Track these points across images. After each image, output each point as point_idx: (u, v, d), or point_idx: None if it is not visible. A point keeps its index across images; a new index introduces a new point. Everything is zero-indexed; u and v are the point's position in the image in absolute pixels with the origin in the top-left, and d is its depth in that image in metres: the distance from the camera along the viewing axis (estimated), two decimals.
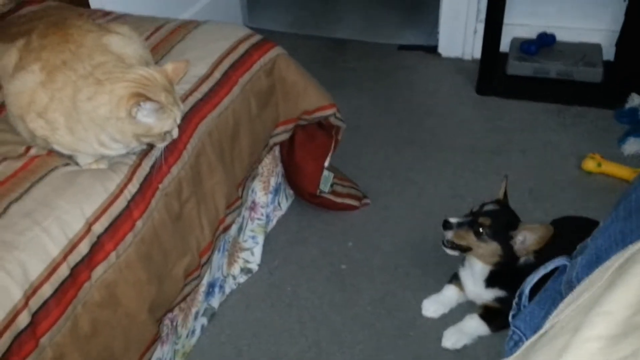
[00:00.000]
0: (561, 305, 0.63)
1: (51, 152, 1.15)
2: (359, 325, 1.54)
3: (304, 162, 1.72)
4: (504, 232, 1.40)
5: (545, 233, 1.35)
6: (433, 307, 1.55)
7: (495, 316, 1.46)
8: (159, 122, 1.08)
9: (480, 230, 1.40)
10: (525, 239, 1.37)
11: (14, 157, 1.14)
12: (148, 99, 1.03)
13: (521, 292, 0.78)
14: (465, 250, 1.45)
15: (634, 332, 0.53)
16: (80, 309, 1.04)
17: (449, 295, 1.56)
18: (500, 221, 1.41)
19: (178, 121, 1.13)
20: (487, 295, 1.47)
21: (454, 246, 1.45)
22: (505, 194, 1.51)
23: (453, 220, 1.44)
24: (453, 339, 1.46)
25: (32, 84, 1.09)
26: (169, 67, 1.12)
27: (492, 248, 1.41)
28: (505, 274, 1.43)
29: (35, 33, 1.17)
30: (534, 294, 0.79)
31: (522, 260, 1.41)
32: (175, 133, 1.14)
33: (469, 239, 1.42)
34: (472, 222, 1.42)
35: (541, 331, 0.61)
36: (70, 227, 1.03)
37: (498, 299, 1.46)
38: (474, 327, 1.47)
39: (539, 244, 1.36)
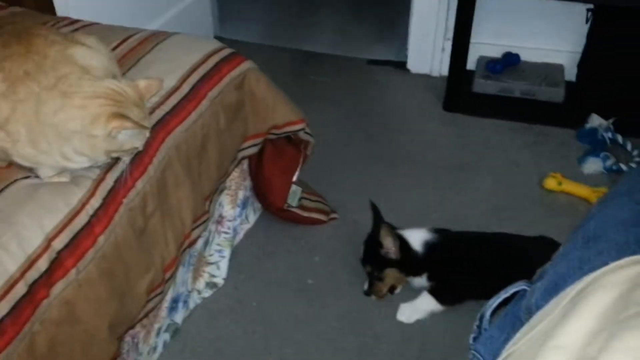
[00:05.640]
0: (518, 335, 0.64)
1: (11, 164, 1.12)
2: (324, 341, 1.54)
3: (273, 176, 1.72)
4: (379, 257, 1.59)
5: (387, 233, 1.57)
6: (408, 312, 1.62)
7: (439, 291, 1.60)
8: (131, 139, 1.08)
9: (374, 274, 1.60)
10: (388, 247, 1.57)
11: None
12: (132, 123, 1.03)
13: (482, 315, 0.80)
14: (394, 288, 1.64)
15: None
16: (37, 327, 1.01)
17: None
18: (371, 255, 1.62)
19: (147, 135, 1.12)
20: (422, 282, 1.63)
21: (384, 295, 1.63)
22: (376, 217, 1.66)
23: (365, 287, 1.64)
24: (407, 313, 1.60)
25: None
26: (141, 83, 1.11)
27: (391, 274, 1.60)
28: (415, 264, 1.61)
29: None
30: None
31: (415, 251, 1.60)
32: (140, 146, 1.13)
33: (381, 287, 1.61)
34: (370, 276, 1.62)
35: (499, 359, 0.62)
36: (29, 243, 1.00)
37: (428, 279, 1.61)
38: (425, 301, 1.59)
39: (395, 242, 1.57)
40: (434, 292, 1.59)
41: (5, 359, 0.96)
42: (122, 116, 1.03)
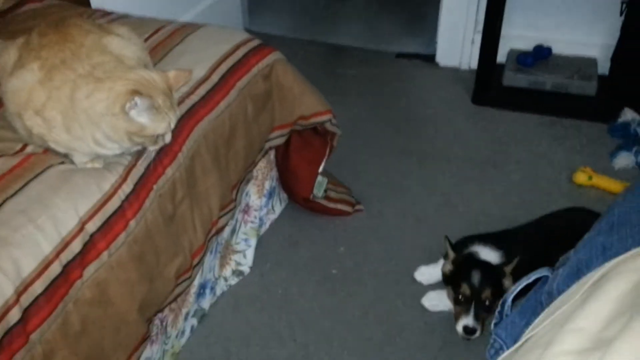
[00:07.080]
0: (538, 319, 0.65)
1: (47, 150, 1.16)
2: (348, 330, 1.55)
3: (299, 167, 1.74)
4: (500, 286, 1.46)
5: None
6: (427, 274, 1.65)
7: None
8: (152, 124, 1.09)
9: (487, 303, 1.43)
10: (508, 287, 1.44)
11: (10, 154, 1.15)
12: (141, 94, 1.04)
13: (504, 301, 0.80)
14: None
15: (602, 347, 0.55)
16: (71, 307, 1.05)
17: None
18: (493, 283, 1.45)
19: (172, 126, 1.14)
20: None
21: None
22: (452, 248, 1.55)
23: (470, 322, 1.42)
24: (433, 301, 1.58)
25: (31, 82, 1.10)
26: (171, 73, 1.13)
27: (497, 305, 1.49)
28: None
29: (35, 32, 1.18)
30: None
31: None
32: (167, 138, 1.15)
33: (488, 317, 1.45)
34: (478, 305, 1.44)
35: (518, 343, 0.62)
36: (63, 225, 1.04)
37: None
38: None
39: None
40: None
41: (40, 336, 1.00)
42: (137, 91, 1.04)
